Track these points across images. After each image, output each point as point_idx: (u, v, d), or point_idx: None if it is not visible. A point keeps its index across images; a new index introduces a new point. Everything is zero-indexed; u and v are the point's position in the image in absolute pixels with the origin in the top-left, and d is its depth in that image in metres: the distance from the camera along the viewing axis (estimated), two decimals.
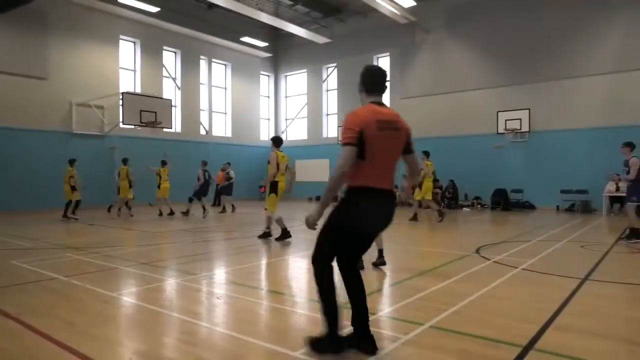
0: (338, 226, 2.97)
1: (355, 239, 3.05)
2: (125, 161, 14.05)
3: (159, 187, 14.29)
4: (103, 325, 3.68)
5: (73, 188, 12.50)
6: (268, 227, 8.60)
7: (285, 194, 8.57)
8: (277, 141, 8.51)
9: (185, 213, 13.77)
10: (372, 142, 2.84)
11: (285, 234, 8.26)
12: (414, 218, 12.18)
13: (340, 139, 2.87)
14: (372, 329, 3.01)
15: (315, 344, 2.98)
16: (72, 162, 12.73)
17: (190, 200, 14.16)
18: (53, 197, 15.38)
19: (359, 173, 2.88)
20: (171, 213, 13.78)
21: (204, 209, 13.88)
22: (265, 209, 8.52)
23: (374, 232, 3.14)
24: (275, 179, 8.19)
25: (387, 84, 3.15)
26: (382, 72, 3.10)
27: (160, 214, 13.85)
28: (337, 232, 2.98)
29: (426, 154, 12.43)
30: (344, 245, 3.03)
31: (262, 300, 4.52)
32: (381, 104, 3.02)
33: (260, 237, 8.56)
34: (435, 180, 14.36)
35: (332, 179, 2.84)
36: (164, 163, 14.38)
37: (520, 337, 3.27)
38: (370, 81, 3.06)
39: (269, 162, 8.32)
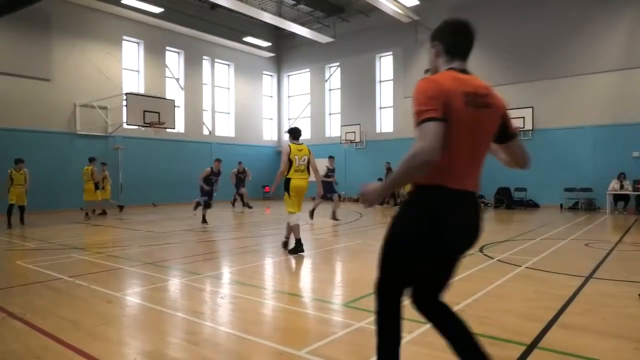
0: (402, 241, 2.09)
1: (428, 259, 2.13)
2: (91, 160, 13.52)
3: (103, 188, 14.33)
4: (108, 325, 3.70)
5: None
6: (287, 237, 7.32)
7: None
8: (292, 132, 7.17)
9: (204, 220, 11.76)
10: (458, 122, 1.94)
11: (297, 246, 6.88)
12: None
13: (414, 115, 1.92)
14: (370, 327, 2.97)
15: None
16: (17, 161, 11.55)
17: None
18: (57, 197, 15.51)
19: (434, 167, 1.89)
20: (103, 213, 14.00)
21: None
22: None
23: (455, 250, 2.15)
24: (288, 176, 6.86)
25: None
26: (471, 29, 2.14)
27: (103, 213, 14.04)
28: (401, 250, 2.10)
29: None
30: (413, 270, 2.15)
31: (267, 300, 4.53)
32: (466, 72, 2.11)
33: (290, 252, 6.99)
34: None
35: (412, 160, 1.81)
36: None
37: (525, 336, 3.27)
38: (455, 38, 2.13)
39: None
